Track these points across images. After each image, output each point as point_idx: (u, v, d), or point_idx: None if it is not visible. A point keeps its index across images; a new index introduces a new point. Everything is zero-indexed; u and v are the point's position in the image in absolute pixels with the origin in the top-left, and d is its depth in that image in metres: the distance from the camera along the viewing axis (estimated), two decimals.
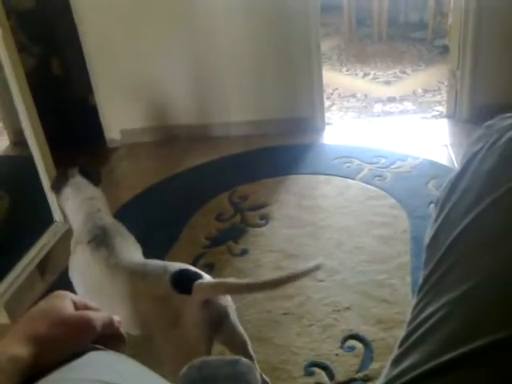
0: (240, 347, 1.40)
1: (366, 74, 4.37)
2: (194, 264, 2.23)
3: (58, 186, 1.69)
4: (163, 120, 3.43)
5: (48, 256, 2.34)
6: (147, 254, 1.64)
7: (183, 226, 2.53)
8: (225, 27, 3.18)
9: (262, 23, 3.16)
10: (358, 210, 2.55)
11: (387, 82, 4.19)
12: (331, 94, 3.96)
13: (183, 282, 1.30)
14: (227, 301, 1.37)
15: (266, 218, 2.54)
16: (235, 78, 3.32)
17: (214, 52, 3.25)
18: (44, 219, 2.41)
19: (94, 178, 1.71)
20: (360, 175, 2.81)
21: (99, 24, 3.24)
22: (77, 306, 0.63)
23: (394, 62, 4.51)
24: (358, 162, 2.95)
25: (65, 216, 1.82)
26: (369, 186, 2.72)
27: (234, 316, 1.39)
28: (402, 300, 1.95)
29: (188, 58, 3.29)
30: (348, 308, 1.97)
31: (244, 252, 2.33)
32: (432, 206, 2.44)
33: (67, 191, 1.67)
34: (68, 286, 2.23)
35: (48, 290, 2.24)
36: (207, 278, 1.34)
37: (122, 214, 2.49)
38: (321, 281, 2.12)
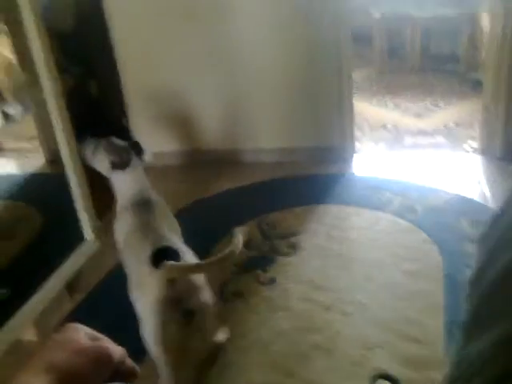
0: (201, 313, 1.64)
1: (396, 106, 4.36)
2: (221, 290, 2.22)
3: (122, 164, 1.92)
4: (194, 144, 3.46)
5: (77, 275, 2.34)
6: None
7: (211, 251, 2.51)
8: (258, 54, 3.22)
9: (295, 52, 3.19)
10: (388, 243, 2.51)
11: (418, 115, 4.16)
12: (361, 124, 3.95)
13: (161, 257, 1.56)
14: (194, 282, 1.61)
15: (294, 247, 2.52)
16: (267, 105, 3.34)
17: (246, 78, 3.29)
18: (75, 237, 2.43)
19: (142, 156, 1.99)
20: (390, 207, 2.78)
21: (136, 48, 3.31)
22: (90, 338, 0.62)
23: (426, 95, 4.49)
24: (388, 193, 2.91)
25: (113, 188, 2.00)
26: (399, 219, 2.69)
27: (199, 286, 1.62)
28: (435, 339, 1.90)
29: (221, 84, 3.33)
30: (378, 345, 1.92)
31: (272, 281, 2.31)
32: (467, 242, 2.40)
33: (131, 170, 1.93)
34: (96, 307, 2.25)
35: (76, 309, 2.25)
36: (188, 260, 1.62)
37: None
38: (350, 315, 2.08)
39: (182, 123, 3.44)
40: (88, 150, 2.04)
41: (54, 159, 2.48)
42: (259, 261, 2.45)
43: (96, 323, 2.02)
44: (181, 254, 1.64)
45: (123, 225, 1.88)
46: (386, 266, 2.35)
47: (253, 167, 3.30)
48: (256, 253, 2.52)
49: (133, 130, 3.44)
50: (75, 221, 2.42)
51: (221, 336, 1.94)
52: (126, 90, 3.41)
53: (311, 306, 2.16)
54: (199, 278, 1.65)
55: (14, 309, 1.99)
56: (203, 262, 1.66)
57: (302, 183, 3.09)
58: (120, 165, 1.93)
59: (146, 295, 1.60)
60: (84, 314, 2.23)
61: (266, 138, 3.41)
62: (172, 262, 1.55)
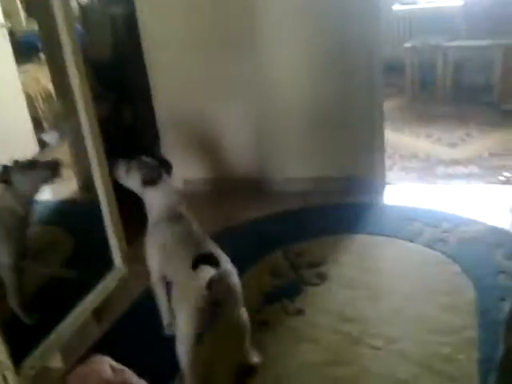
0: (238, 330, 1.87)
1: (428, 136, 4.31)
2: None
3: (153, 180, 2.04)
4: (223, 172, 3.48)
5: (105, 301, 2.35)
6: None
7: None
8: (289, 83, 3.24)
9: (326, 80, 3.20)
10: (419, 274, 2.45)
11: (451, 145, 4.10)
12: (392, 153, 3.92)
13: (202, 263, 1.71)
14: (231, 286, 1.78)
15: (322, 277, 2.48)
16: (296, 134, 3.35)
17: (276, 107, 3.30)
18: (104, 264, 2.45)
19: (171, 173, 2.12)
20: (421, 238, 2.72)
21: (169, 77, 3.38)
22: (114, 371, 0.61)
23: (459, 125, 4.43)
24: (419, 224, 2.85)
25: (146, 204, 2.11)
26: (431, 251, 2.62)
27: (233, 301, 1.79)
28: (469, 377, 1.83)
29: (251, 113, 3.35)
30: (408, 381, 1.86)
31: (300, 312, 2.27)
32: (502, 275, 2.32)
33: (162, 186, 2.05)
34: (124, 334, 2.25)
35: (103, 337, 2.25)
36: (223, 268, 1.75)
37: None
38: (379, 349, 2.02)
39: (211, 151, 3.47)
40: (121, 170, 2.13)
41: (87, 186, 2.53)
42: (286, 290, 2.42)
43: (122, 351, 2.03)
44: (220, 260, 1.78)
45: (158, 238, 2.02)
46: (416, 299, 2.28)
47: (281, 196, 3.29)
48: (283, 282, 2.49)
49: (165, 157, 3.49)
50: (105, 247, 2.45)
51: (255, 358, 1.99)
52: (159, 117, 3.47)
53: (339, 339, 2.10)
54: (239, 295, 1.82)
55: (42, 335, 2.01)
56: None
57: (331, 213, 3.06)
58: (151, 181, 2.04)
59: (186, 298, 1.74)
60: (111, 341, 2.23)
61: (295, 168, 3.41)
62: (212, 268, 1.70)
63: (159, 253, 2.02)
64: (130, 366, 1.99)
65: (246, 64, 3.23)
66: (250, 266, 2.61)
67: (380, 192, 3.30)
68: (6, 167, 2.12)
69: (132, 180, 2.10)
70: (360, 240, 2.77)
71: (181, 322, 1.77)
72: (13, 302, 2.12)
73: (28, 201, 2.15)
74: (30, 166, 2.13)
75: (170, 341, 1.96)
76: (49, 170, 2.15)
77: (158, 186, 2.05)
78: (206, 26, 3.20)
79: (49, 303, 2.21)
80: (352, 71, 3.15)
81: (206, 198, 3.40)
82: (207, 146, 3.47)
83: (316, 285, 2.44)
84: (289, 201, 3.21)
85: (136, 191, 2.12)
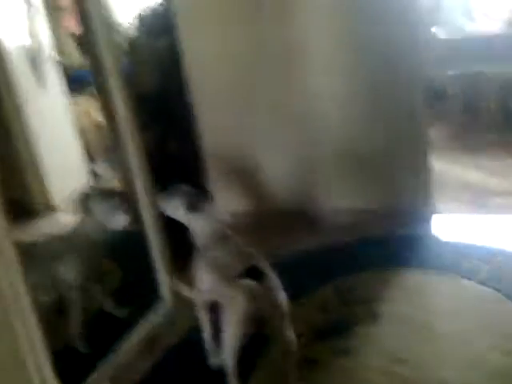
0: (282, 348, 1.93)
1: (477, 165, 4.19)
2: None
3: (196, 206, 2.09)
4: (269, 204, 3.45)
5: (154, 334, 2.34)
6: None
7: None
8: (333, 114, 3.21)
9: (370, 110, 3.16)
10: (477, 314, 2.34)
11: (502, 175, 3.97)
12: (440, 183, 3.81)
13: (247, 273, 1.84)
14: (277, 300, 1.87)
15: (373, 315, 2.40)
16: (340, 165, 3.30)
17: (318, 137, 3.27)
18: (151, 296, 2.45)
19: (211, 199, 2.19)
20: (476, 274, 2.60)
21: (214, 109, 3.40)
22: None
23: (509, 153, 4.29)
24: (472, 259, 2.74)
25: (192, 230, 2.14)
26: (486, 288, 2.51)
27: (279, 315, 1.87)
28: None
29: (296, 144, 3.33)
30: None
31: (349, 351, 2.20)
32: None
33: (206, 211, 2.11)
34: (171, 367, 2.22)
35: (151, 369, 2.23)
36: (273, 282, 1.89)
37: None
38: None
39: (256, 183, 3.46)
40: (163, 200, 2.18)
41: (135, 217, 2.55)
42: (336, 327, 2.35)
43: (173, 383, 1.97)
44: (267, 274, 1.87)
45: (208, 261, 2.06)
46: (473, 340, 2.18)
47: (329, 228, 3.23)
48: (332, 318, 2.42)
49: (209, 189, 3.50)
50: (153, 279, 2.45)
51: None
52: (204, 149, 3.49)
53: (391, 381, 2.02)
54: (284, 310, 1.90)
55: (92, 365, 2.01)
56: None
57: (381, 245, 2.97)
58: (194, 207, 2.09)
59: (232, 307, 1.84)
60: (160, 373, 2.22)
61: (339, 199, 3.35)
62: (256, 282, 1.80)
63: (209, 275, 2.05)
64: None
65: (293, 96, 3.22)
66: (299, 301, 2.55)
67: (428, 224, 3.20)
68: (86, 195, 2.24)
69: (175, 208, 2.13)
70: (412, 275, 2.67)
71: (227, 328, 1.87)
72: (73, 326, 2.20)
73: (103, 228, 2.23)
74: (107, 195, 2.24)
75: (218, 374, 2.00)
76: (122, 199, 2.24)
77: (202, 212, 2.10)
78: (252, 59, 3.22)
79: (98, 334, 2.22)
80: (395, 100, 3.11)
81: (251, 231, 3.36)
82: (252, 178, 3.46)
83: (367, 323, 2.36)
84: (337, 233, 3.14)
85: (180, 219, 2.15)
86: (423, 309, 2.42)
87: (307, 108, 3.24)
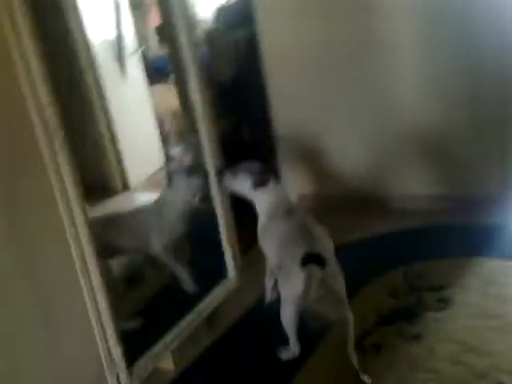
0: (343, 326, 1.94)
1: None
2: (359, 341, 2.08)
3: (263, 182, 2.13)
4: (338, 187, 3.40)
5: (217, 310, 2.39)
6: None
7: (352, 297, 2.39)
8: (410, 95, 3.09)
9: (446, 93, 3.01)
10: None
11: None
12: None
13: (309, 259, 1.82)
14: (334, 286, 1.88)
15: (445, 302, 2.29)
16: (417, 149, 3.17)
17: (395, 120, 3.16)
18: (218, 273, 2.50)
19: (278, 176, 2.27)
20: None
21: (288, 97, 3.40)
22: None
23: None
24: None
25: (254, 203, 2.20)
26: None
27: (339, 296, 1.91)
28: None
29: (368, 126, 3.24)
30: None
31: (417, 337, 2.11)
32: None
33: (271, 185, 2.15)
34: (233, 344, 2.27)
35: (213, 344, 2.29)
36: (333, 269, 1.90)
37: None
38: None
39: (327, 166, 3.42)
40: (228, 176, 2.22)
41: (206, 195, 2.61)
42: (403, 313, 2.27)
43: (231, 359, 2.06)
44: (328, 262, 1.86)
45: (272, 232, 2.12)
46: None
47: (400, 214, 3.10)
48: (400, 304, 2.34)
49: (281, 173, 3.51)
50: (220, 257, 2.50)
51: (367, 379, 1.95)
52: (276, 135, 3.51)
53: (461, 371, 1.91)
54: (342, 291, 1.91)
55: (155, 338, 2.09)
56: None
57: (456, 233, 2.82)
58: (261, 183, 2.12)
59: (290, 287, 1.89)
60: (220, 349, 2.27)
61: (415, 184, 3.22)
62: (317, 268, 1.80)
63: (273, 245, 2.11)
64: (235, 375, 2.05)
65: (365, 81, 3.15)
66: (366, 285, 2.50)
67: (508, 213, 2.99)
68: (170, 171, 2.42)
69: (241, 184, 2.17)
70: (488, 264, 2.51)
71: (284, 302, 1.95)
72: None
73: (182, 203, 2.34)
74: (190, 171, 2.36)
75: (277, 350, 2.11)
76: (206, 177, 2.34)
77: (268, 188, 2.13)
78: (327, 46, 3.18)
79: (163, 308, 2.31)
80: (475, 85, 2.94)
81: (320, 214, 3.33)
82: (323, 162, 3.42)
83: (437, 310, 2.26)
84: (408, 219, 3.02)
85: (245, 195, 2.19)
86: (497, 299, 2.26)
87: (381, 93, 3.15)
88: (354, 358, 1.96)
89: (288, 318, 1.96)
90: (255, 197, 2.17)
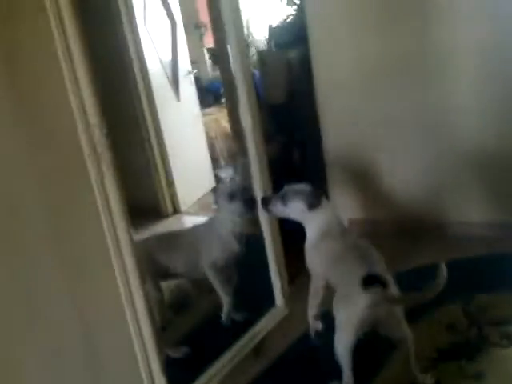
0: (402, 345, 1.93)
1: None
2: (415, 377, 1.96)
3: (316, 203, 2.09)
4: (390, 212, 3.28)
5: (264, 339, 2.32)
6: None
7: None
8: (468, 116, 2.95)
9: (505, 119, 2.86)
10: None
11: None
12: None
13: (371, 282, 1.76)
14: (392, 309, 1.83)
15: (509, 338, 2.12)
16: (474, 172, 3.02)
17: (452, 142, 3.03)
18: (265, 301, 2.43)
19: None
20: None
21: (340, 120, 3.34)
22: None
23: None
24: None
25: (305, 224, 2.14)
26: None
27: (395, 321, 1.86)
28: None
29: (423, 148, 3.12)
30: None
31: (479, 375, 1.96)
32: None
33: (324, 205, 2.12)
34: (281, 374, 2.18)
35: (260, 375, 2.21)
36: (391, 287, 1.82)
37: None
38: None
39: (378, 190, 3.31)
40: (276, 202, 2.15)
41: (255, 220, 2.56)
42: (464, 349, 2.12)
43: None
44: (389, 284, 1.80)
45: (323, 250, 2.08)
46: None
47: (459, 242, 2.95)
48: (461, 339, 2.19)
49: (331, 197, 3.43)
50: (268, 284, 2.43)
51: (427, 380, 1.96)
52: (327, 159, 3.44)
53: None
54: (399, 312, 1.86)
55: (200, 368, 2.04)
56: (406, 295, 1.87)
57: None
58: (315, 204, 2.08)
59: (349, 309, 1.82)
60: (268, 380, 2.18)
61: (473, 210, 3.07)
62: (379, 290, 1.75)
63: (323, 263, 2.07)
64: None
65: (422, 104, 3.04)
66: (424, 317, 2.35)
67: None
68: (215, 195, 2.35)
69: (293, 208, 2.11)
70: None
71: (340, 328, 1.87)
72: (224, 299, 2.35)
73: (234, 224, 2.30)
74: (232, 196, 2.28)
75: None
76: (244, 206, 2.27)
77: (321, 208, 2.09)
78: (380, 67, 3.10)
79: (210, 337, 2.25)
80: None
81: (371, 240, 3.21)
82: (374, 185, 3.31)
83: (502, 346, 2.09)
84: (469, 247, 2.85)
85: (297, 219, 2.14)
86: None
87: (438, 113, 3.02)
88: (418, 377, 1.94)
89: (343, 345, 1.86)
90: (308, 219, 2.11)
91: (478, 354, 2.08)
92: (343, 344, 1.86)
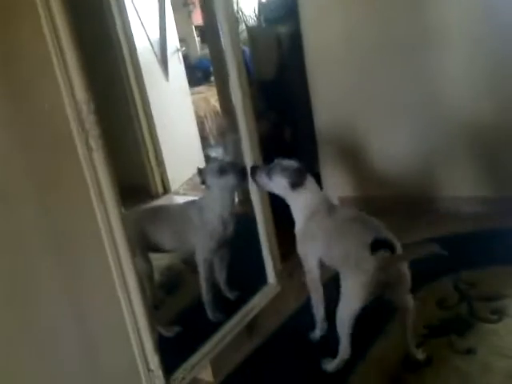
0: (403, 313, 1.95)
1: None
2: (407, 354, 1.98)
3: (300, 182, 2.04)
4: (382, 189, 3.28)
5: (257, 317, 2.32)
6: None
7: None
8: (460, 91, 2.95)
9: (504, 86, 2.84)
10: None
11: None
12: None
13: (378, 245, 1.79)
14: (402, 271, 1.86)
15: (499, 313, 2.14)
16: (467, 148, 3.02)
17: (444, 118, 3.02)
18: (258, 279, 2.43)
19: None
20: None
21: (330, 96, 3.31)
22: None
23: None
24: None
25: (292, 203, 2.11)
26: None
27: (404, 285, 1.89)
28: None
29: (415, 124, 3.12)
30: None
31: (470, 350, 1.98)
32: None
33: (308, 185, 2.07)
34: (274, 351, 2.20)
35: (254, 352, 2.22)
36: (398, 253, 1.83)
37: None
38: None
39: (369, 167, 3.30)
40: (262, 174, 2.11)
41: (246, 199, 2.54)
42: (454, 325, 2.14)
43: (272, 368, 1.97)
44: (396, 247, 1.83)
45: (315, 231, 2.05)
46: None
47: (450, 217, 2.97)
48: (451, 315, 2.21)
49: (322, 175, 3.42)
50: (260, 263, 2.43)
51: (419, 355, 1.99)
52: (318, 135, 3.41)
53: None
54: (408, 278, 1.88)
55: (193, 346, 2.04)
56: (409, 250, 1.89)
57: (508, 238, 2.65)
58: (298, 183, 2.03)
59: (360, 275, 1.81)
60: (261, 357, 2.19)
61: (465, 186, 3.08)
62: (386, 253, 1.77)
63: (319, 244, 2.04)
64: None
65: (412, 79, 3.03)
66: (414, 293, 2.36)
67: None
68: (200, 170, 2.25)
69: (277, 183, 2.07)
70: None
71: (349, 295, 1.87)
72: (205, 296, 2.28)
73: (225, 203, 2.24)
74: (221, 171, 2.21)
75: (319, 360, 2.04)
76: (237, 177, 2.21)
77: (305, 187, 2.05)
78: (370, 42, 3.08)
79: (203, 316, 2.25)
80: None
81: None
82: (366, 163, 3.30)
83: (491, 322, 2.11)
84: (459, 223, 2.88)
85: (281, 195, 2.11)
86: None
87: (429, 88, 3.01)
88: (412, 350, 1.98)
89: (349, 314, 1.87)
90: (291, 197, 2.08)
91: (468, 329, 2.10)
92: (349, 312, 1.86)
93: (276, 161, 2.11)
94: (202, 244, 2.25)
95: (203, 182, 2.25)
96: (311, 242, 2.07)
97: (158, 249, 2.30)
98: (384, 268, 1.78)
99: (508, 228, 2.74)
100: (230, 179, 2.19)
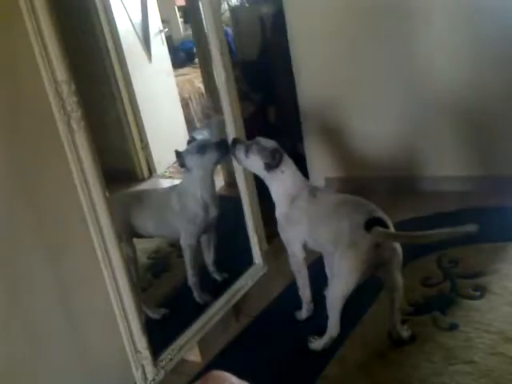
0: (392, 290, 1.94)
1: None
2: (391, 331, 2.01)
3: (275, 164, 2.01)
4: (366, 170, 3.30)
5: (244, 298, 2.34)
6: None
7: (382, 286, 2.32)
8: (444, 71, 2.95)
9: (488, 66, 2.85)
10: None
11: None
12: None
13: (372, 223, 1.80)
14: (396, 248, 1.86)
15: (481, 290, 2.19)
16: (450, 126, 3.04)
17: (429, 99, 3.02)
18: (244, 260, 2.44)
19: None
20: None
21: (314, 77, 3.30)
22: None
23: None
24: None
25: (272, 186, 2.09)
26: None
27: (396, 262, 1.88)
28: None
29: (398, 102, 3.12)
30: None
31: (453, 327, 2.02)
32: None
33: (285, 167, 2.04)
34: (262, 332, 2.22)
35: (241, 333, 2.24)
36: (391, 227, 1.86)
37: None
38: None
39: (353, 148, 3.31)
40: (240, 152, 2.08)
41: (233, 182, 2.54)
42: (438, 301, 2.18)
43: (259, 348, 1.99)
44: (390, 225, 1.85)
45: (298, 215, 2.02)
46: None
47: (433, 197, 3.00)
48: (434, 292, 2.25)
49: (308, 156, 3.42)
50: (246, 243, 2.44)
51: (404, 332, 2.02)
52: (304, 118, 3.41)
53: (499, 363, 1.82)
54: (399, 257, 1.88)
55: (181, 328, 2.05)
56: (406, 233, 1.88)
57: (492, 216, 2.69)
58: (271, 165, 2.01)
59: (355, 252, 1.81)
60: (249, 338, 2.21)
61: (448, 165, 3.10)
62: (381, 228, 1.79)
63: (302, 229, 2.02)
64: (263, 365, 1.99)
65: (397, 60, 3.02)
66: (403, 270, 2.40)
67: None
68: (178, 152, 2.21)
69: (253, 162, 2.05)
70: None
71: (343, 274, 1.85)
72: (190, 279, 2.28)
73: (206, 184, 2.20)
74: (201, 148, 2.18)
75: (305, 340, 2.06)
76: (218, 150, 2.19)
77: (282, 169, 2.02)
78: (352, 24, 3.06)
79: (189, 298, 2.26)
80: None
81: None
82: (349, 143, 3.31)
83: (474, 298, 2.16)
84: (441, 202, 2.91)
85: (258, 174, 2.10)
86: None
87: (412, 66, 3.01)
88: (398, 327, 1.99)
89: (341, 293, 1.87)
90: (269, 179, 2.05)
91: (451, 306, 2.13)
92: (341, 291, 1.87)
93: (256, 139, 2.08)
94: (185, 230, 2.23)
95: (183, 165, 2.21)
96: (295, 227, 2.05)
97: (142, 234, 2.28)
98: (380, 244, 1.79)
99: (492, 206, 2.78)
100: (212, 155, 2.17)
